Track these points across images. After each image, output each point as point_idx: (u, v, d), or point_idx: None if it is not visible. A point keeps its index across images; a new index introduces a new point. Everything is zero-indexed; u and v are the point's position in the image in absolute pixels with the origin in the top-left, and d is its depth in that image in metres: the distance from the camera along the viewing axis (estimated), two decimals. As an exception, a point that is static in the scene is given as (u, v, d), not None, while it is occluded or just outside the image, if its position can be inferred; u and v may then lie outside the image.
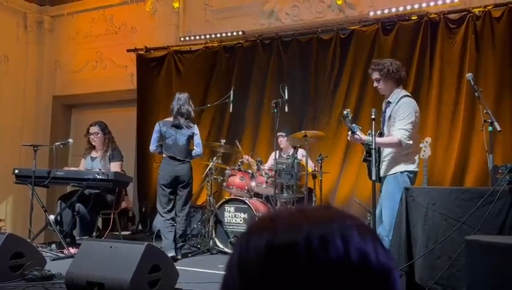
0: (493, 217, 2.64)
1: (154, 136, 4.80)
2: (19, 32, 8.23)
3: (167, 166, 4.73)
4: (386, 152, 3.72)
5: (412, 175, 3.65)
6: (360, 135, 3.60)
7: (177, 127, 4.73)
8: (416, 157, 3.69)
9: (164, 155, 4.78)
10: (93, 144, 5.17)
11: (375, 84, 3.81)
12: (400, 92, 3.75)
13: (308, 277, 0.52)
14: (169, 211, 4.74)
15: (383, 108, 3.88)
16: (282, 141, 5.59)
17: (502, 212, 2.64)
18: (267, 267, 0.54)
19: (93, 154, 5.21)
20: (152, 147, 4.85)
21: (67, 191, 5.63)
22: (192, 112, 4.84)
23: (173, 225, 4.68)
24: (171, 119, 4.80)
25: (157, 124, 4.87)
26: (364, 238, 0.55)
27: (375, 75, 3.78)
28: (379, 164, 3.66)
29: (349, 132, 3.62)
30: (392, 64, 3.74)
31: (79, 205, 4.87)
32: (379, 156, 3.66)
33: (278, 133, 5.12)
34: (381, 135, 3.75)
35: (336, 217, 0.57)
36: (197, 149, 4.86)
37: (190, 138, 4.80)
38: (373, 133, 3.47)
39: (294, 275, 0.53)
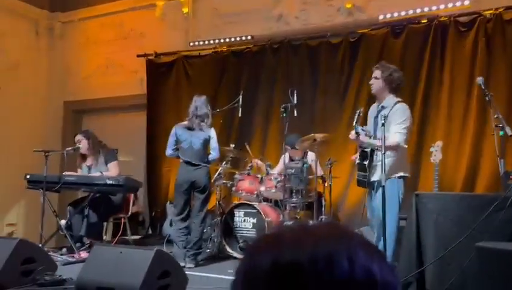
0: (504, 224, 2.61)
1: (171, 139, 4.76)
2: (30, 39, 8.33)
3: (183, 171, 4.67)
4: (380, 157, 3.70)
5: (405, 180, 3.76)
6: (363, 137, 3.62)
7: (191, 129, 4.67)
8: (408, 163, 3.83)
9: (181, 160, 4.73)
10: (81, 152, 5.25)
11: (371, 80, 3.89)
12: (394, 98, 3.85)
13: None
14: (184, 219, 4.65)
15: (374, 112, 3.93)
16: (289, 152, 5.52)
17: (513, 219, 2.61)
18: (272, 285, 0.54)
19: (88, 162, 5.27)
20: (168, 151, 4.80)
21: (78, 196, 5.68)
22: (209, 114, 4.77)
23: (185, 234, 4.61)
24: (186, 122, 4.77)
25: (174, 127, 4.83)
26: (369, 257, 0.55)
27: (377, 73, 3.87)
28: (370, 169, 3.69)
29: (353, 131, 3.63)
30: (396, 72, 3.85)
31: (88, 210, 4.91)
32: (371, 160, 3.68)
33: (285, 145, 5.06)
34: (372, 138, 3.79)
35: (341, 235, 0.57)
36: (213, 153, 4.78)
37: (206, 141, 4.72)
38: (371, 135, 3.53)
39: None
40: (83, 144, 5.21)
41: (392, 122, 3.63)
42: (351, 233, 0.58)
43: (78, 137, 5.29)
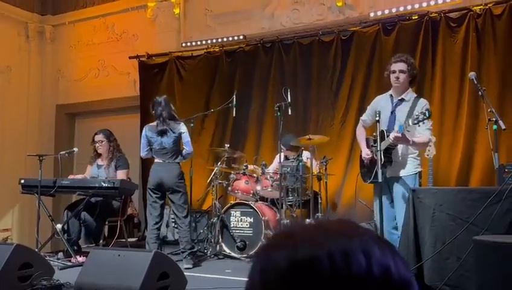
0: (501, 217, 2.63)
1: (143, 141, 4.73)
2: (21, 42, 8.27)
3: (152, 171, 4.67)
4: (401, 152, 3.70)
5: (421, 175, 3.77)
6: (409, 136, 3.56)
7: (163, 132, 4.64)
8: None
9: (155, 160, 4.72)
10: (99, 151, 5.22)
11: (397, 74, 3.71)
12: (412, 92, 3.81)
13: None
14: (157, 223, 4.62)
15: (387, 105, 3.81)
16: (284, 152, 5.52)
17: (509, 212, 2.64)
18: (290, 282, 0.54)
19: (99, 162, 5.26)
20: (142, 153, 4.79)
21: (73, 200, 5.65)
22: (174, 113, 4.73)
23: (158, 237, 4.58)
24: (155, 123, 4.72)
25: (144, 128, 4.82)
26: (384, 253, 0.56)
27: (402, 66, 3.72)
28: (385, 164, 3.63)
29: (396, 134, 3.46)
30: (415, 65, 3.81)
31: (84, 214, 4.89)
32: (390, 156, 3.64)
33: (280, 145, 5.04)
34: (383, 133, 3.70)
35: (354, 231, 0.58)
36: (187, 148, 4.70)
37: (177, 138, 4.68)
38: (378, 133, 3.48)
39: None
40: (103, 146, 5.18)
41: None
42: (363, 229, 0.59)
43: (100, 137, 5.21)
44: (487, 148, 4.24)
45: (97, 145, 5.20)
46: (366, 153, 3.86)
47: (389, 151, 3.59)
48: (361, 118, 4.20)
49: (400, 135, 3.44)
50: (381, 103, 3.89)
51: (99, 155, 5.28)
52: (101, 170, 5.19)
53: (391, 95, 3.84)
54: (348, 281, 0.53)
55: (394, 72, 3.73)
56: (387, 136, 3.55)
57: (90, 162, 5.36)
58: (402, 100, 3.74)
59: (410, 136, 3.56)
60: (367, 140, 4.01)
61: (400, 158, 3.68)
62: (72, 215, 4.88)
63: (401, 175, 3.68)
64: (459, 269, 2.70)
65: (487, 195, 2.69)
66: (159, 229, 4.65)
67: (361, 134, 4.13)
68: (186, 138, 4.70)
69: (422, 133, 3.61)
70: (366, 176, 3.91)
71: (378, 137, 3.47)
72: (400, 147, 3.66)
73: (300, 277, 0.54)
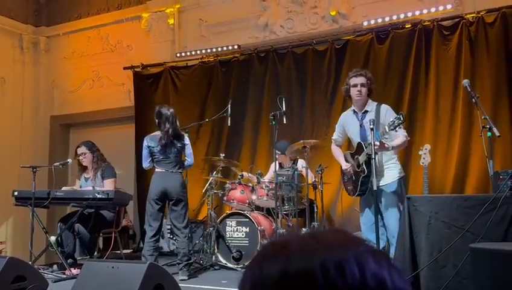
0: (496, 224, 2.63)
1: (144, 152, 4.67)
2: (15, 54, 8.26)
3: (156, 180, 4.59)
4: (386, 159, 3.78)
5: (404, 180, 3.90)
6: (387, 144, 3.65)
7: (166, 145, 4.58)
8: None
9: (156, 170, 4.67)
10: (83, 164, 5.19)
11: (359, 87, 3.87)
12: (371, 102, 3.95)
13: None
14: (155, 234, 4.52)
15: (353, 120, 3.96)
16: (279, 158, 5.53)
17: (505, 219, 2.63)
18: None
19: (86, 175, 5.22)
20: (145, 164, 4.72)
21: (67, 211, 5.60)
22: (179, 132, 4.69)
23: (155, 249, 4.52)
24: (157, 133, 4.65)
25: (144, 139, 4.74)
26: (379, 264, 0.54)
27: (362, 80, 3.89)
28: (368, 175, 3.67)
29: (376, 142, 3.50)
30: (373, 79, 3.98)
31: (78, 226, 4.85)
32: (370, 166, 3.67)
33: (275, 150, 5.05)
34: (360, 145, 3.78)
35: (349, 242, 0.56)
36: (189, 159, 4.72)
37: (181, 148, 4.67)
38: (373, 142, 3.48)
39: None
40: (87, 157, 5.15)
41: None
42: (358, 239, 0.57)
43: (82, 149, 5.17)
44: (482, 155, 4.25)
45: (81, 158, 5.16)
46: (344, 165, 3.99)
47: (370, 162, 3.62)
48: (332, 138, 4.33)
49: (378, 143, 3.53)
50: (347, 120, 4.07)
51: (85, 168, 5.23)
52: (88, 182, 5.14)
53: (354, 110, 3.99)
54: None
55: (355, 86, 3.88)
56: (366, 147, 3.66)
57: (78, 177, 5.32)
58: (366, 112, 3.90)
59: (388, 141, 3.68)
60: (345, 156, 4.13)
61: (382, 167, 3.76)
62: (66, 227, 4.84)
63: (385, 183, 3.75)
64: (455, 276, 2.68)
65: (483, 202, 2.69)
66: (157, 241, 4.58)
67: (337, 151, 4.26)
68: (189, 149, 4.73)
69: (397, 134, 3.69)
70: (351, 191, 3.96)
71: (373, 147, 3.47)
72: (378, 156, 3.69)
73: (294, 289, 0.52)
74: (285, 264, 0.54)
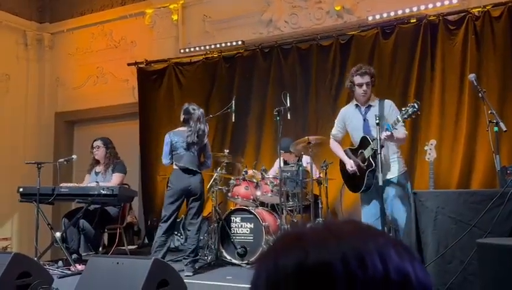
0: (504, 219, 2.60)
1: (166, 149, 4.61)
2: (19, 51, 8.27)
3: (178, 178, 4.54)
4: (391, 153, 3.76)
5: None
6: (395, 133, 3.63)
7: (191, 143, 4.56)
8: None
9: (175, 167, 4.61)
10: (96, 157, 5.26)
11: (364, 87, 3.85)
12: (374, 96, 3.95)
13: None
14: (168, 229, 4.50)
15: (355, 115, 3.94)
16: (283, 155, 5.49)
17: (512, 214, 2.60)
18: (300, 288, 0.50)
19: (97, 168, 5.27)
20: (166, 161, 4.66)
21: (72, 207, 5.62)
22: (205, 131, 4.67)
23: (165, 244, 4.51)
24: (183, 129, 4.62)
25: (167, 135, 4.68)
26: (401, 257, 0.52)
27: (367, 78, 3.85)
28: (374, 169, 3.65)
29: (385, 133, 3.49)
30: (375, 74, 3.96)
31: (83, 221, 4.86)
32: (375, 160, 3.66)
33: (279, 149, 5.02)
34: (366, 139, 3.77)
35: (368, 233, 0.54)
36: (208, 161, 4.76)
37: (202, 148, 4.68)
38: (378, 137, 3.46)
39: None
40: (100, 151, 5.24)
41: (394, 117, 3.64)
42: (377, 231, 0.55)
43: (98, 143, 5.30)
44: (488, 150, 4.22)
45: (94, 150, 5.27)
46: (350, 165, 3.91)
47: (375, 156, 3.60)
48: (331, 133, 4.26)
49: (389, 133, 3.50)
50: (349, 114, 4.03)
51: (97, 162, 5.28)
52: (98, 176, 5.19)
53: (356, 105, 3.96)
54: (365, 286, 0.49)
55: (361, 85, 3.84)
56: (372, 140, 3.63)
57: (88, 171, 5.37)
58: (370, 106, 3.89)
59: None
60: (346, 152, 4.05)
61: (388, 161, 3.77)
62: (71, 223, 4.85)
63: (391, 177, 3.74)
64: (462, 272, 2.66)
65: (490, 197, 2.66)
66: (169, 236, 4.59)
67: (337, 147, 4.20)
68: (209, 151, 4.79)
69: (399, 128, 3.69)
70: (355, 186, 3.91)
71: (378, 142, 3.44)
72: (384, 150, 3.67)
73: (313, 282, 0.50)
74: (303, 257, 0.51)
